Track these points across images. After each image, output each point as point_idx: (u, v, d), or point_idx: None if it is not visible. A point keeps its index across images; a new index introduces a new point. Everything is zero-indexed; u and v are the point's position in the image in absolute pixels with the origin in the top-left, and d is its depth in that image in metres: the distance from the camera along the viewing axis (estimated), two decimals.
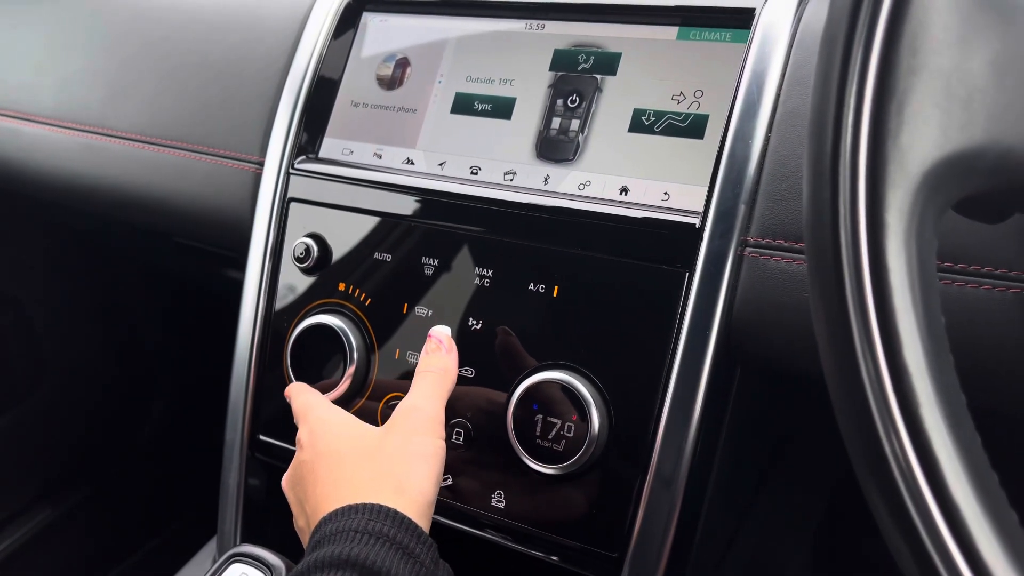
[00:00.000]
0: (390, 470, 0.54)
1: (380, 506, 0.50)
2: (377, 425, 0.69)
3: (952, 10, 0.31)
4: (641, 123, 0.65)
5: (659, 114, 0.65)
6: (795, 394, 0.79)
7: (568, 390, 0.61)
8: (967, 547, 0.30)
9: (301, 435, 0.60)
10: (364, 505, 0.50)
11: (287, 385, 0.72)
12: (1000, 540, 0.30)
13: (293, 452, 0.74)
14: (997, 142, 0.32)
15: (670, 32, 0.66)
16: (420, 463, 0.54)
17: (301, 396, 0.65)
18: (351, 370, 0.70)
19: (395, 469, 0.54)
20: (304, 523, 0.56)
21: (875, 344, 0.31)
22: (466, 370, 0.66)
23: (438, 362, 0.62)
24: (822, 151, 0.32)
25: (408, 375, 0.69)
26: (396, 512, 0.50)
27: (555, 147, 0.68)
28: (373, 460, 0.54)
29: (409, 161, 0.73)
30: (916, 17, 0.31)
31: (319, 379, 0.71)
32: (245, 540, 0.77)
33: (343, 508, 0.50)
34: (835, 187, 0.31)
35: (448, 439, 0.66)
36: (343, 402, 0.70)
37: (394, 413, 0.58)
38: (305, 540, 0.56)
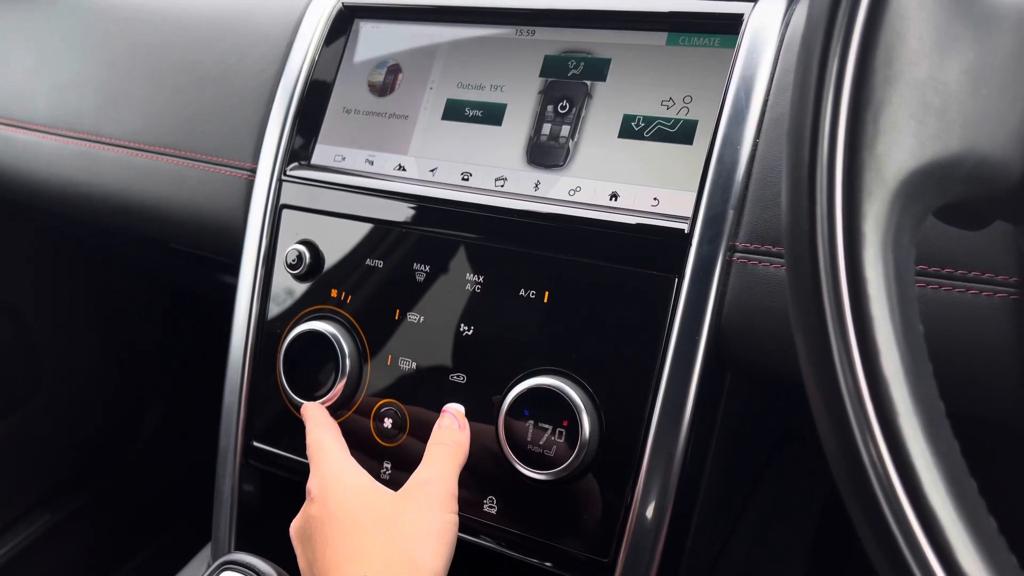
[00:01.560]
0: (404, 546, 0.53)
1: None
2: (370, 433, 0.70)
3: (927, 20, 0.31)
4: (631, 129, 0.65)
5: (649, 120, 0.65)
6: (786, 398, 0.79)
7: (559, 396, 0.61)
8: (945, 555, 0.30)
9: (312, 486, 0.59)
10: None
11: (281, 391, 0.73)
12: (978, 548, 0.30)
13: (287, 458, 0.74)
14: (972, 151, 0.32)
15: (659, 38, 0.66)
16: (433, 540, 0.54)
17: (316, 432, 0.64)
18: (343, 376, 0.70)
19: (408, 544, 0.53)
20: None
21: (853, 353, 0.31)
22: (458, 376, 0.67)
23: (452, 436, 0.62)
24: (799, 161, 0.32)
25: (400, 381, 0.69)
26: None
27: (546, 153, 0.68)
28: (386, 532, 0.54)
29: (401, 167, 0.74)
30: (891, 27, 0.31)
31: (312, 385, 0.71)
32: (239, 546, 0.77)
33: None
34: (812, 197, 0.32)
35: None
36: (336, 408, 0.71)
37: (409, 484, 0.58)
38: None
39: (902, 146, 0.31)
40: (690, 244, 0.60)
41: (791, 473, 0.91)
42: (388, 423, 0.69)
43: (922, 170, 0.31)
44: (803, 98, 0.32)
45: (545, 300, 0.64)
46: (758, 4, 0.63)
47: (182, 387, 1.39)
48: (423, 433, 0.67)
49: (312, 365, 0.71)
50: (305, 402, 0.69)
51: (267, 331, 0.76)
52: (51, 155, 0.91)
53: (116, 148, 0.87)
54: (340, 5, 0.78)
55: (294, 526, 0.60)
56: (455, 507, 0.57)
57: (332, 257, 0.73)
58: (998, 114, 0.33)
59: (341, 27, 0.79)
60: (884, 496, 0.30)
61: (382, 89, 0.76)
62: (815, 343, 0.32)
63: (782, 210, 0.33)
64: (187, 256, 1.00)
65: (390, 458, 0.69)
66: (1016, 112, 0.33)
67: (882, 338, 0.31)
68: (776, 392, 0.76)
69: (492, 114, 0.70)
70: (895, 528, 0.30)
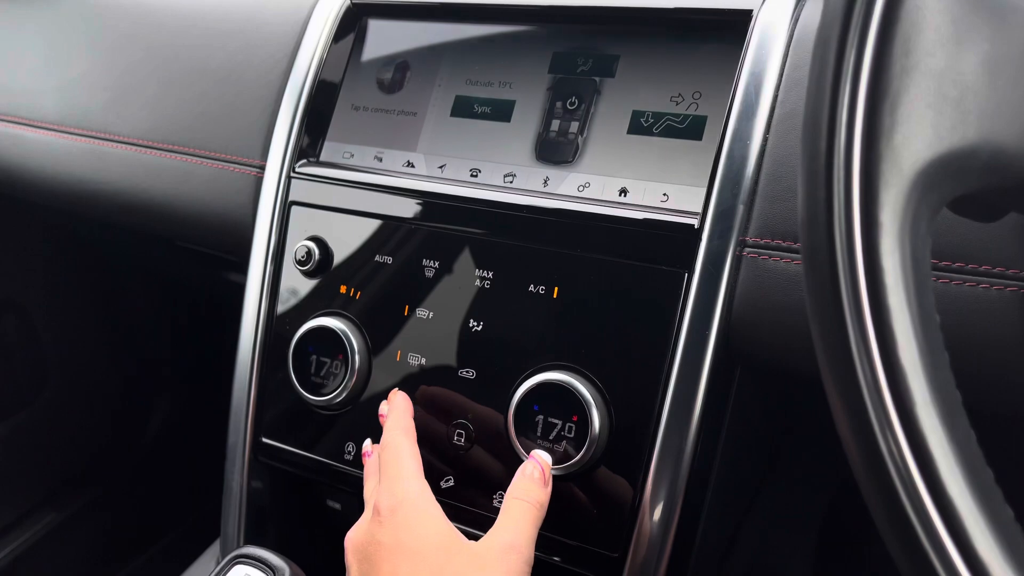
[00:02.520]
0: None
1: None
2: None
3: (944, 11, 0.32)
4: (640, 125, 0.65)
5: (658, 116, 0.65)
6: (796, 394, 0.79)
7: (568, 391, 0.61)
8: (963, 544, 0.30)
9: (383, 503, 0.56)
10: None
11: (290, 388, 0.73)
12: (996, 536, 0.30)
13: (295, 454, 0.74)
14: (989, 141, 0.32)
15: (668, 34, 0.66)
16: None
17: (395, 436, 0.60)
18: (353, 372, 0.70)
19: None
20: None
21: (870, 343, 0.31)
22: (467, 371, 0.67)
23: (535, 494, 0.58)
24: (816, 151, 0.32)
25: (409, 378, 0.69)
26: None
27: (554, 149, 0.68)
28: None
29: (409, 164, 0.74)
30: (909, 18, 0.31)
31: (321, 381, 0.71)
32: (248, 542, 0.78)
33: None
34: (829, 187, 0.32)
35: (450, 440, 0.67)
36: (345, 403, 0.71)
37: (491, 543, 0.54)
38: None
39: (919, 136, 0.31)
40: (700, 239, 0.60)
41: (799, 468, 0.91)
42: None
43: (939, 160, 0.32)
44: (820, 88, 0.32)
45: (554, 296, 0.64)
46: (767, 0, 0.63)
47: (189, 385, 1.39)
48: (433, 429, 0.68)
49: (321, 361, 0.71)
50: (396, 389, 0.67)
51: (276, 327, 0.76)
52: (59, 153, 0.91)
53: (124, 146, 0.87)
54: (348, 3, 0.79)
55: (354, 540, 0.57)
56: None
57: (341, 254, 0.73)
58: (1014, 105, 0.33)
59: (349, 25, 0.79)
60: (902, 485, 0.31)
61: (390, 86, 0.76)
62: (832, 333, 0.32)
63: (798, 200, 0.33)
64: (194, 254, 1.00)
65: None
66: None
67: (899, 328, 0.31)
68: (785, 387, 0.76)
69: (501, 111, 0.71)
70: (913, 516, 0.30)
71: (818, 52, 0.33)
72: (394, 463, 0.59)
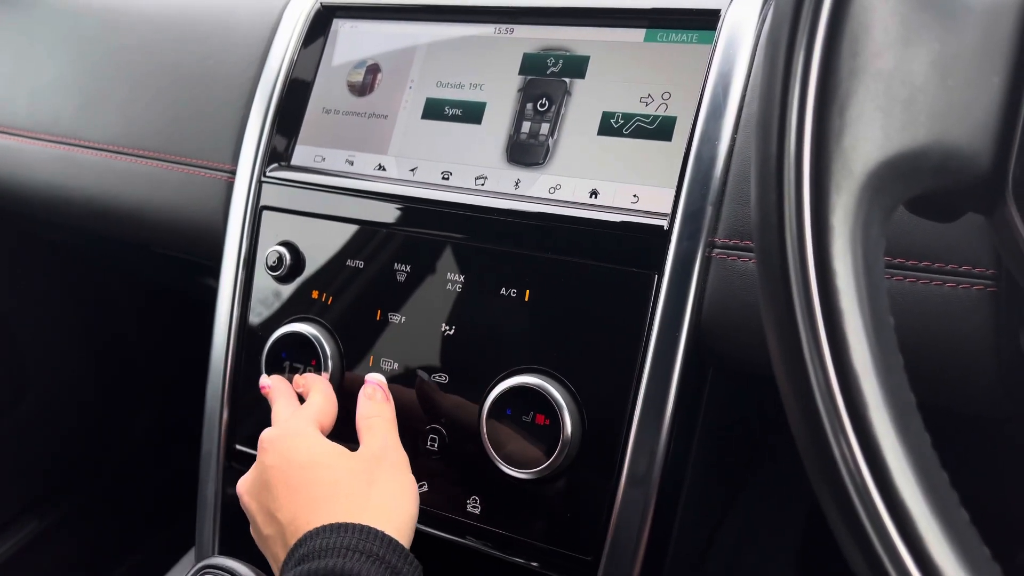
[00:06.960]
0: (380, 499, 0.55)
1: (370, 528, 0.51)
2: (353, 435, 0.69)
3: (892, 11, 0.31)
4: (610, 126, 0.65)
5: (628, 116, 0.65)
6: (771, 395, 0.79)
7: (540, 394, 0.61)
8: (916, 547, 0.30)
9: (269, 436, 0.59)
10: (354, 525, 0.51)
11: (263, 394, 0.72)
12: (949, 539, 0.30)
13: None
14: (940, 142, 0.32)
15: (637, 34, 0.66)
16: (405, 498, 0.57)
17: (280, 401, 0.66)
18: (325, 377, 0.69)
19: (384, 498, 0.56)
20: (274, 531, 0.56)
21: (822, 347, 0.31)
22: (440, 376, 0.66)
23: (384, 409, 0.64)
24: (768, 154, 0.32)
25: None
26: (385, 535, 0.51)
27: (525, 151, 0.68)
28: (359, 483, 0.56)
29: (381, 167, 0.73)
30: (856, 19, 0.31)
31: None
32: (223, 550, 0.77)
33: (332, 525, 0.51)
34: (780, 190, 0.31)
35: (423, 445, 0.66)
36: None
37: (370, 453, 0.59)
38: (272, 548, 0.56)
39: (869, 138, 0.31)
40: (669, 241, 0.60)
41: (779, 470, 0.91)
42: None
43: (889, 162, 0.31)
44: (770, 91, 0.32)
45: (526, 299, 0.64)
46: (735, 0, 0.63)
47: (169, 390, 1.38)
48: (405, 434, 0.67)
49: (294, 367, 0.71)
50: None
51: (249, 334, 0.75)
52: (30, 159, 0.90)
53: (95, 152, 0.86)
54: (318, 5, 0.78)
55: (246, 481, 0.60)
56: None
57: (313, 258, 0.73)
58: (965, 105, 0.32)
59: (320, 27, 0.78)
60: (855, 489, 0.30)
61: (361, 89, 0.76)
62: (785, 336, 0.32)
63: (751, 203, 0.33)
64: (170, 260, 0.99)
65: None
66: (983, 103, 0.33)
67: (851, 331, 0.31)
68: (760, 389, 0.75)
69: (472, 113, 0.70)
70: (866, 521, 0.30)
71: (768, 54, 0.32)
72: (280, 414, 0.64)
